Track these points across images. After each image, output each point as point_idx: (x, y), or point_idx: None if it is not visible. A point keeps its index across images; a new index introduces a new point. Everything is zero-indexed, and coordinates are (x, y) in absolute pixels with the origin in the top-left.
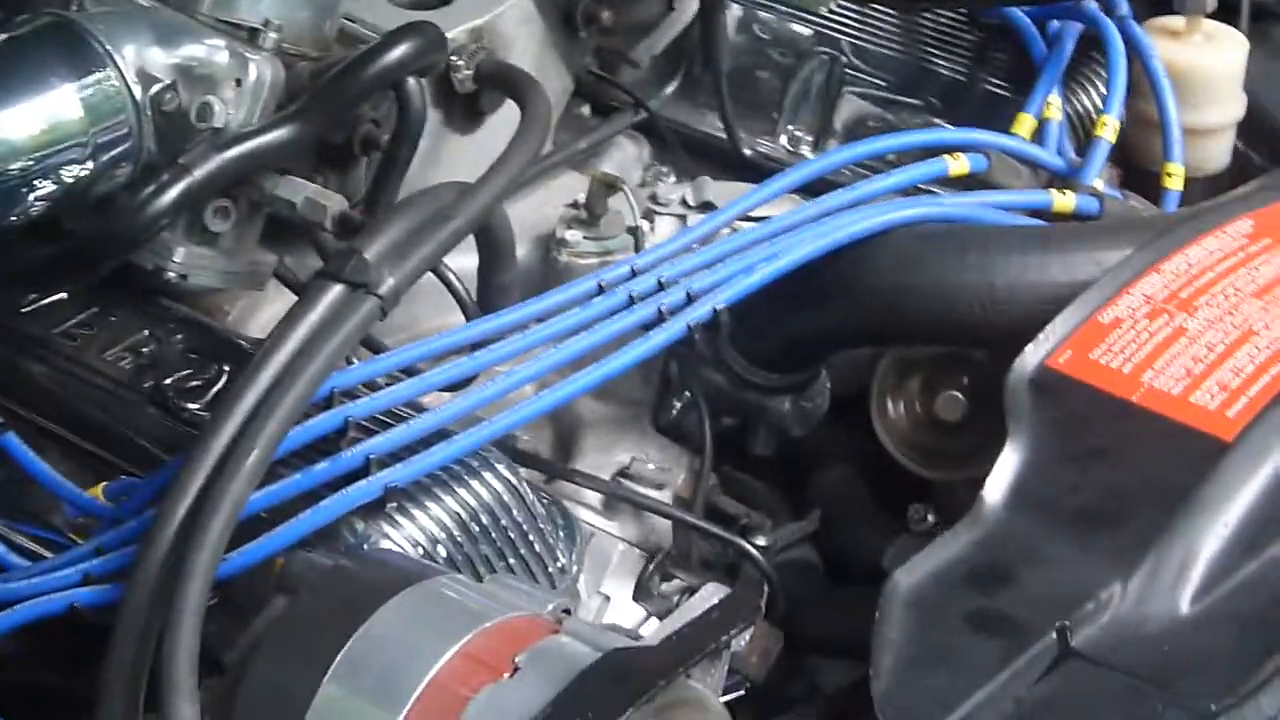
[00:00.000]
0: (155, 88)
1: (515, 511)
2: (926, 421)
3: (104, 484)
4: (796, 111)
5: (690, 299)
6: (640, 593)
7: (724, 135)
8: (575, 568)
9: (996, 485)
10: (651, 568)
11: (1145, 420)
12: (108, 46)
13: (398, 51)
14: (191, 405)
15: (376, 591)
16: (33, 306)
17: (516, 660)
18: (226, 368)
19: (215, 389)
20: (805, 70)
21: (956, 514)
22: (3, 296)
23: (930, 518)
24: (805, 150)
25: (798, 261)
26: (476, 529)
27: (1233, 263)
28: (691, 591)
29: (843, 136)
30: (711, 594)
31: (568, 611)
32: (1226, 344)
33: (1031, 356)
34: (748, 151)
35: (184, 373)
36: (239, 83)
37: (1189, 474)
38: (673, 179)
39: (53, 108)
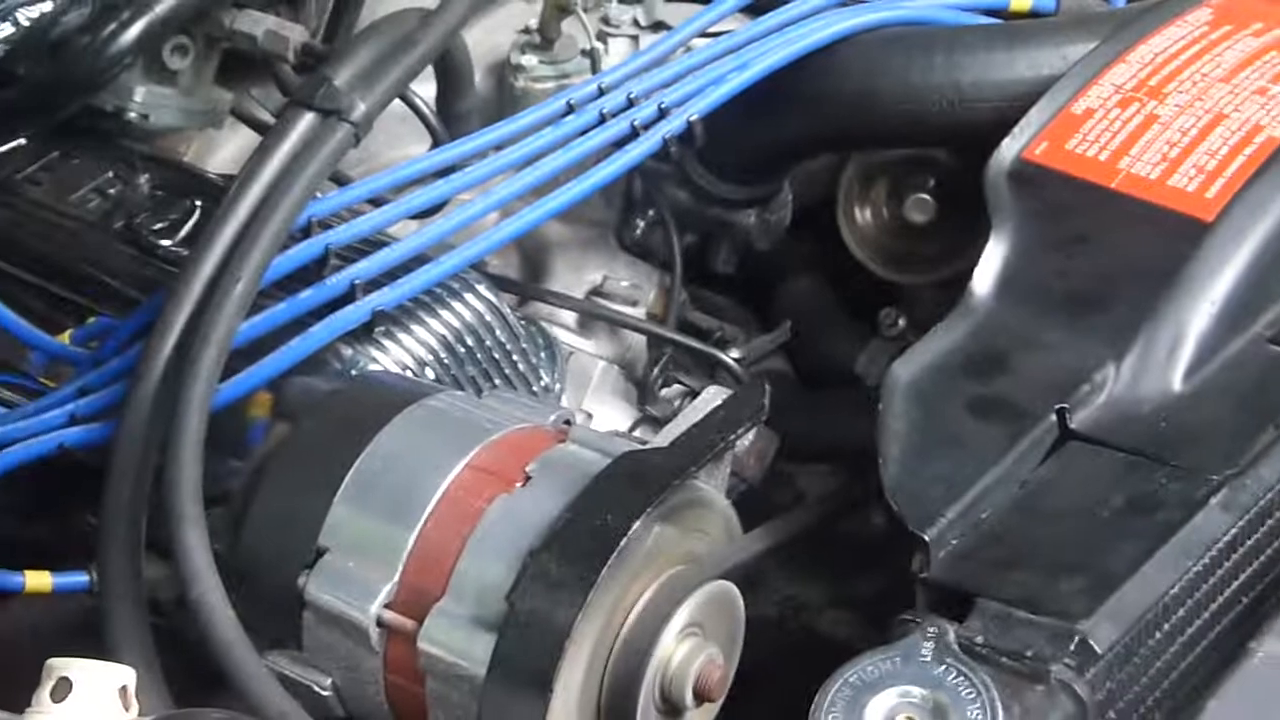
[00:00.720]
0: None
1: (498, 331)
2: (895, 226)
3: (70, 330)
4: None
5: (662, 113)
6: (644, 395)
7: None
8: (558, 386)
9: (985, 276)
10: (656, 371)
11: (1126, 205)
12: None
13: None
14: (165, 242)
15: (380, 411)
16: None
17: (527, 470)
18: (198, 203)
19: (189, 225)
20: None
21: (926, 317)
22: None
23: (901, 322)
24: None
25: (768, 70)
26: (462, 350)
27: (1197, 49)
28: (694, 395)
29: None
30: (715, 396)
31: (569, 422)
32: (1199, 128)
33: (1008, 150)
34: None
35: (154, 211)
36: None
37: (1173, 255)
38: (614, 2)
39: None
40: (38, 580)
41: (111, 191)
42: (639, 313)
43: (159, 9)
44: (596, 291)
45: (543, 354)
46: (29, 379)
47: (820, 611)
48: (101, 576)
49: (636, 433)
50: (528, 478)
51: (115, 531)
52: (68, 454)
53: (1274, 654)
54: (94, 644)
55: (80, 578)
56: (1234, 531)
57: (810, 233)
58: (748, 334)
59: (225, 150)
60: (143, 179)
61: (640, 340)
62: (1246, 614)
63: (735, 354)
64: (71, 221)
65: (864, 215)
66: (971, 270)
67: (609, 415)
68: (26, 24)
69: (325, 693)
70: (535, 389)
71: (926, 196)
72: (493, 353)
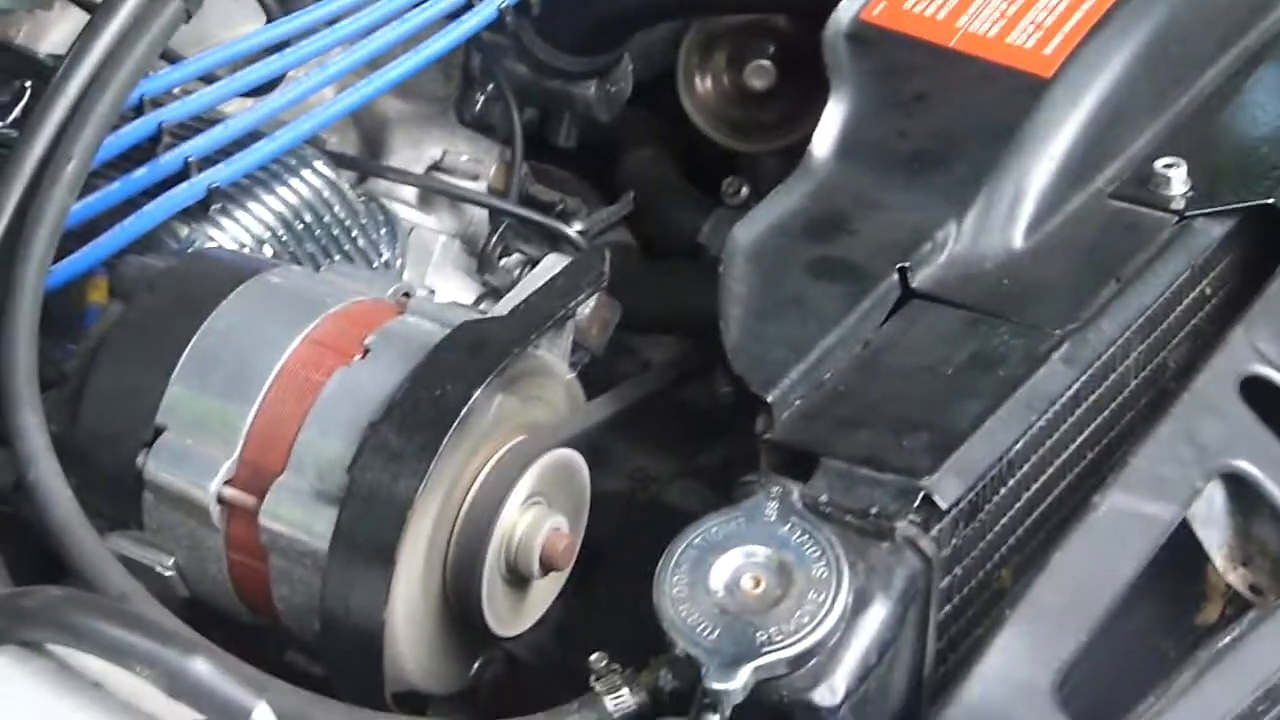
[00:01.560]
0: None
1: (337, 207)
2: (735, 93)
3: None
4: None
5: None
6: (483, 265)
7: None
8: (399, 261)
9: (824, 137)
10: (495, 240)
11: (965, 63)
12: None
13: None
14: None
15: (215, 287)
16: None
17: (366, 342)
18: (27, 85)
19: (18, 107)
20: None
21: (767, 184)
22: None
23: (744, 190)
24: None
25: None
26: (300, 227)
27: None
28: (534, 264)
29: None
30: (554, 264)
31: (408, 295)
32: None
33: (845, 11)
34: None
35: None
36: None
37: (1013, 112)
38: None
39: None
40: None
41: None
42: (480, 187)
43: None
44: (436, 167)
45: (382, 230)
46: None
47: (669, 482)
48: None
49: (481, 306)
50: (366, 350)
51: None
52: None
53: (1117, 506)
54: None
55: None
56: (1077, 386)
57: (651, 103)
58: (590, 207)
59: (56, 32)
60: None
61: (482, 215)
62: (1091, 469)
63: (578, 227)
64: None
65: (704, 84)
66: (812, 136)
67: (452, 290)
68: None
69: (168, 573)
70: (375, 264)
71: (766, 63)
72: (331, 229)
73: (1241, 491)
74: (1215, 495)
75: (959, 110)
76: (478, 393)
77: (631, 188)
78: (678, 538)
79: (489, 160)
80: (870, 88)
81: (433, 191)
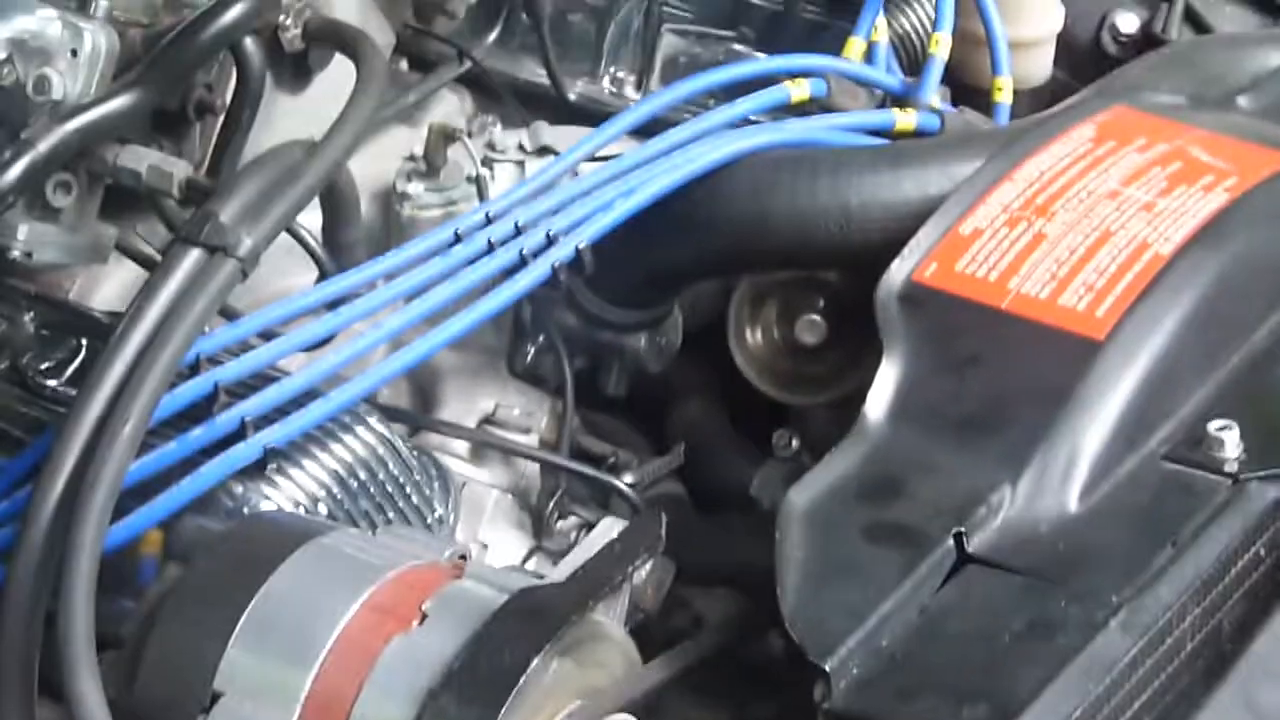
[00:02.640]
0: None
1: (391, 465)
2: (786, 347)
3: None
4: (617, 53)
5: (551, 240)
6: (539, 529)
7: (546, 81)
8: (452, 517)
9: (878, 400)
10: (551, 505)
11: (1017, 325)
12: None
13: (234, 12)
14: (51, 382)
15: (273, 550)
16: None
17: (424, 608)
18: (84, 342)
19: (75, 364)
20: (622, 11)
21: (820, 437)
22: None
23: (794, 442)
24: (629, 91)
25: (655, 195)
26: (355, 484)
27: (1082, 167)
28: (589, 527)
29: (663, 75)
30: (610, 528)
31: (464, 557)
32: (1087, 246)
33: (898, 272)
34: (572, 96)
35: (40, 350)
36: (74, 53)
37: (1066, 374)
38: (497, 128)
39: None
40: None
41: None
42: (532, 440)
43: (42, 147)
44: (488, 420)
45: (436, 485)
46: None
47: None
48: None
49: (531, 561)
50: (424, 616)
51: (8, 678)
52: None
53: None
54: None
55: None
56: (1134, 652)
57: (701, 354)
58: (641, 458)
59: (110, 285)
60: (28, 318)
61: (534, 467)
62: None
63: (629, 479)
64: None
65: (755, 337)
66: (863, 389)
67: (504, 545)
68: None
69: None
70: (429, 521)
71: (817, 318)
72: (385, 486)
73: None
74: None
75: (1012, 373)
76: (536, 660)
77: (682, 439)
78: None
79: (540, 413)
80: (923, 350)
81: (485, 446)
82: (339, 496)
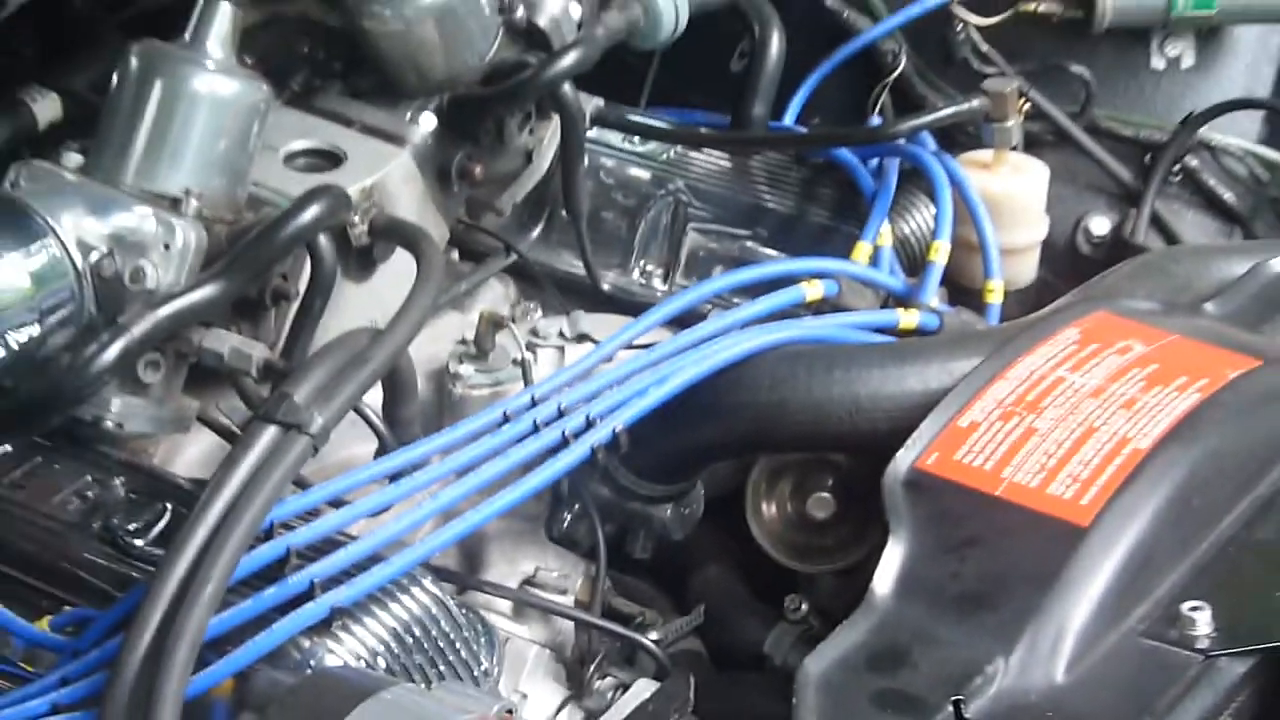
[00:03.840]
0: (93, 255)
1: (443, 622)
2: (798, 520)
3: (48, 618)
4: (646, 248)
5: (590, 423)
6: (578, 688)
7: (582, 273)
8: (496, 669)
9: (885, 577)
10: (592, 668)
11: (1010, 512)
12: (48, 220)
13: (311, 213)
14: (138, 542)
15: (342, 703)
16: None
17: None
18: (169, 506)
19: (159, 526)
20: (653, 210)
21: (825, 601)
22: None
23: (804, 606)
24: (656, 283)
25: (685, 384)
26: (410, 640)
27: (1069, 367)
28: (625, 688)
29: (687, 269)
30: (644, 689)
31: (510, 712)
32: (1073, 439)
33: (903, 460)
34: (606, 287)
35: (128, 513)
36: (167, 247)
37: (1054, 558)
38: (539, 314)
39: (1, 277)
40: None
41: (89, 495)
42: (568, 600)
43: (136, 331)
44: (529, 581)
45: (482, 640)
46: (9, 664)
47: None
48: None
49: (564, 711)
50: None
51: None
52: None
53: None
54: None
55: None
56: None
57: (720, 523)
58: (665, 618)
59: (190, 451)
60: (118, 482)
61: (569, 625)
62: None
63: (654, 636)
64: (53, 522)
65: (769, 510)
66: (868, 560)
67: (542, 696)
68: (16, 346)
69: None
70: (476, 673)
71: (827, 495)
72: (438, 641)
73: None
74: None
75: (1006, 555)
76: None
77: (702, 600)
78: None
79: (575, 575)
80: (925, 531)
81: (526, 605)
82: (396, 651)
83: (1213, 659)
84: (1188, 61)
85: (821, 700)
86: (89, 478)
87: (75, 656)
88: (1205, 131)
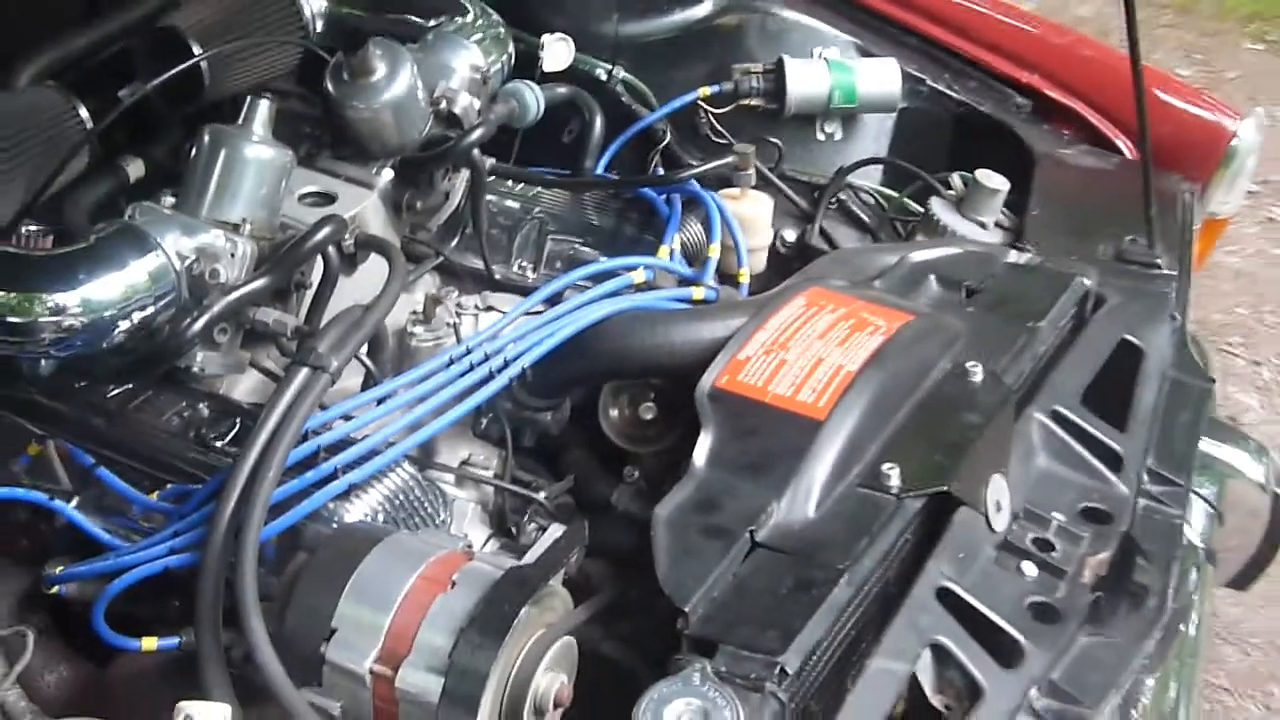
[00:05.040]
0: (186, 261)
1: (416, 491)
2: (632, 420)
3: (157, 492)
4: (521, 252)
5: (507, 363)
6: (518, 534)
7: (482, 267)
8: (448, 521)
9: (700, 454)
10: (526, 518)
11: (775, 412)
12: (157, 239)
13: (321, 235)
14: (219, 443)
15: (362, 545)
16: (113, 393)
17: (454, 578)
18: (238, 420)
19: (232, 433)
20: (524, 228)
21: (649, 471)
22: (95, 389)
23: (636, 474)
24: (529, 274)
25: (566, 337)
26: (398, 503)
27: (800, 321)
28: (543, 530)
29: (547, 264)
30: (557, 531)
31: (470, 547)
32: (810, 365)
33: (706, 381)
34: (498, 276)
35: (210, 425)
36: (232, 255)
37: (804, 439)
38: (457, 295)
39: (129, 277)
40: (149, 643)
41: (184, 414)
42: (489, 474)
43: (214, 311)
44: (464, 463)
45: (439, 502)
46: (134, 522)
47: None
48: (199, 646)
49: (489, 546)
50: (454, 583)
51: (206, 619)
52: (169, 572)
53: (877, 666)
54: (182, 682)
55: (172, 641)
56: (854, 598)
57: (581, 423)
58: (548, 483)
59: (244, 384)
60: (201, 406)
61: (490, 488)
62: (857, 641)
63: (543, 495)
64: (160, 433)
65: (614, 414)
66: (678, 446)
67: (476, 536)
68: (137, 321)
69: (337, 714)
70: (437, 523)
71: (651, 404)
72: (413, 504)
73: (939, 655)
74: (926, 656)
75: (774, 438)
76: (522, 610)
77: (570, 471)
78: (643, 695)
79: (494, 459)
80: (723, 425)
81: (464, 478)
82: (390, 511)
83: (901, 498)
84: (838, 135)
85: (667, 533)
86: (183, 403)
87: (181, 518)
88: (850, 178)
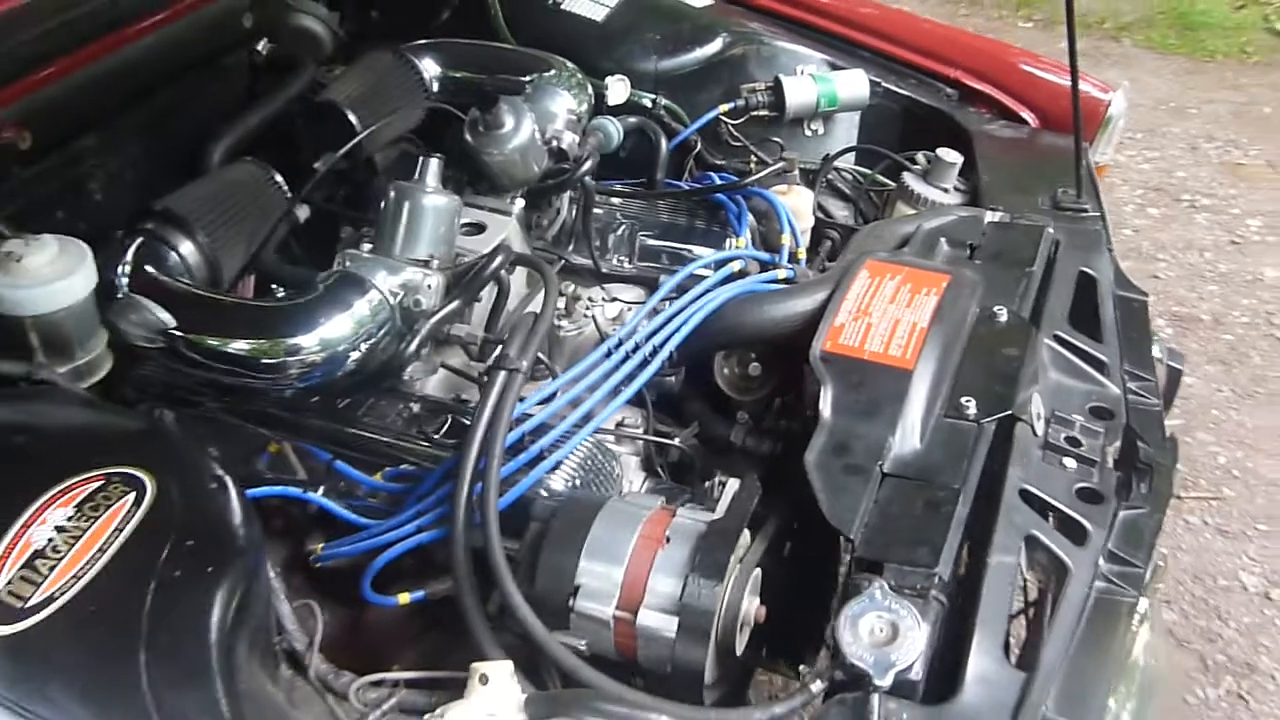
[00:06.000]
0: (397, 296)
1: (599, 455)
2: (741, 375)
3: (380, 474)
4: (617, 249)
5: (655, 351)
6: (664, 472)
7: (590, 263)
8: (620, 474)
9: (826, 407)
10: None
11: (874, 367)
12: (373, 281)
13: (500, 259)
14: (435, 436)
15: (589, 512)
16: (343, 404)
17: (666, 534)
18: (448, 416)
19: (446, 427)
20: (618, 230)
21: (756, 416)
22: (327, 402)
23: (746, 417)
24: (625, 265)
25: (697, 322)
26: (588, 468)
27: (872, 290)
28: (723, 484)
29: (641, 258)
30: (734, 484)
31: (668, 504)
32: (891, 325)
33: (816, 347)
34: (604, 269)
35: (425, 420)
36: (429, 287)
37: (900, 385)
38: (574, 288)
39: (355, 315)
40: (404, 598)
41: (404, 415)
42: (640, 430)
43: (421, 334)
44: (620, 425)
45: (613, 461)
46: (362, 500)
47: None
48: (464, 611)
49: (645, 485)
50: (668, 539)
51: (464, 585)
52: (422, 546)
53: (999, 561)
54: (422, 621)
55: (419, 594)
56: (966, 513)
57: (697, 380)
58: (679, 432)
59: (433, 380)
60: (414, 406)
61: (641, 443)
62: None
63: (678, 442)
64: (385, 431)
65: (725, 371)
66: (774, 393)
67: (635, 480)
68: (365, 349)
69: (584, 650)
70: (614, 478)
71: (756, 363)
72: (598, 467)
73: (1030, 543)
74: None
75: (878, 386)
76: (732, 557)
77: (693, 419)
78: (840, 614)
79: (638, 418)
80: (838, 381)
81: (623, 437)
82: (583, 475)
83: (981, 424)
84: (820, 131)
85: (819, 475)
86: (400, 406)
87: (419, 500)
88: (836, 163)
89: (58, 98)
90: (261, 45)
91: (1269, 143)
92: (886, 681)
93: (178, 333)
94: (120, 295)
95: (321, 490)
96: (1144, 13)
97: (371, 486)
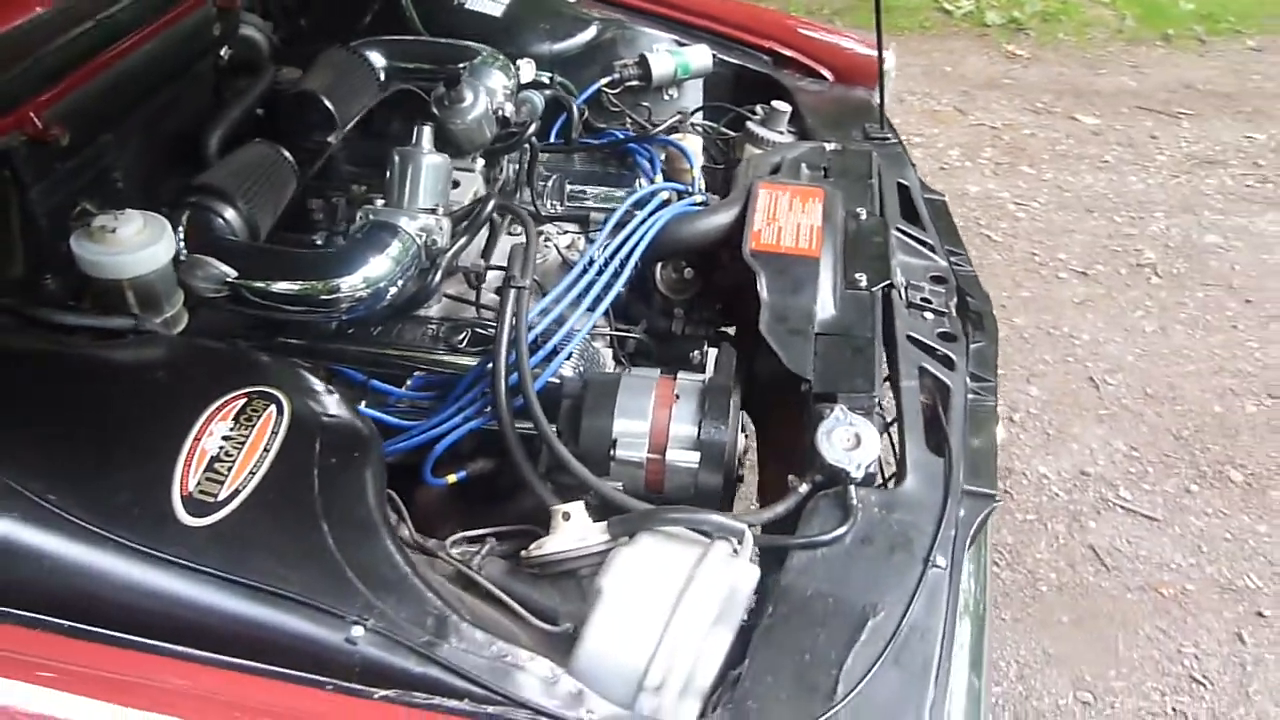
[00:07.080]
0: (421, 239)
1: (590, 349)
2: (678, 280)
3: (408, 383)
4: (549, 196)
5: (623, 263)
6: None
7: (532, 208)
8: (604, 362)
9: (763, 289)
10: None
11: (791, 258)
12: (401, 227)
13: (493, 204)
14: (460, 346)
15: (611, 385)
16: (376, 331)
17: (676, 393)
18: (468, 329)
19: (468, 338)
20: (549, 180)
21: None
22: (362, 331)
23: (681, 312)
24: (557, 208)
25: (649, 241)
26: (584, 358)
27: (773, 203)
28: (704, 353)
29: (569, 201)
30: (714, 352)
31: (674, 371)
32: (794, 227)
33: (746, 247)
34: (543, 212)
35: (449, 335)
36: (441, 229)
37: (814, 268)
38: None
39: (391, 254)
40: (451, 478)
41: (428, 333)
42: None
43: (443, 267)
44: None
45: (597, 353)
46: (392, 408)
47: None
48: (525, 476)
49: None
50: (678, 396)
51: (518, 454)
52: (472, 432)
53: (906, 386)
54: (463, 494)
55: (461, 473)
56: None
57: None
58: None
59: (435, 306)
60: (441, 322)
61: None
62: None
63: (638, 335)
64: (417, 348)
65: (662, 275)
66: (702, 292)
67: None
68: (400, 284)
69: (621, 490)
70: (600, 364)
71: (690, 268)
72: (591, 356)
73: (921, 372)
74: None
75: (797, 273)
76: (732, 397)
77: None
78: (818, 429)
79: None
80: (767, 270)
81: (597, 335)
82: (583, 364)
83: (872, 292)
84: (675, 95)
85: (772, 336)
86: (421, 328)
87: (456, 399)
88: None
89: (87, 99)
90: (224, 51)
91: (953, 93)
92: (860, 475)
93: (239, 281)
94: (183, 257)
95: (364, 404)
96: (850, 1)
97: (404, 396)
